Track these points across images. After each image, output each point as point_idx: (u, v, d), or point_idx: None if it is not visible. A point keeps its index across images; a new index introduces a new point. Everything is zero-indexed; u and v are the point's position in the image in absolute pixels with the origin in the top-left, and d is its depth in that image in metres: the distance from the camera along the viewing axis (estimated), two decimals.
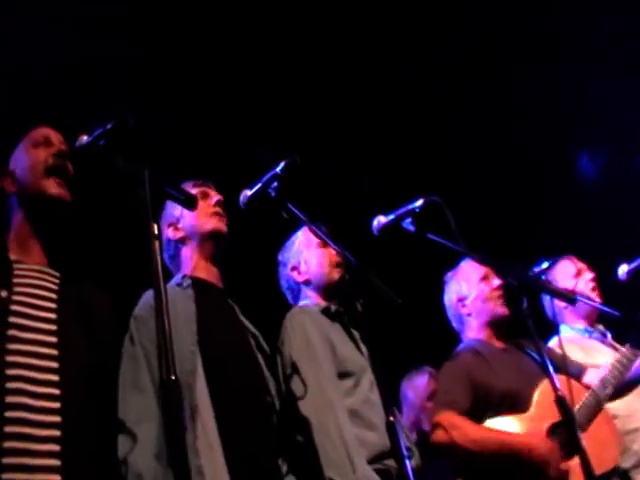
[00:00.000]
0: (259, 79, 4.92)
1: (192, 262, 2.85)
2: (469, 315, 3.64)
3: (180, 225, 2.90)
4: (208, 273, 2.83)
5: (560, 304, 4.01)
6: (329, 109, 5.17)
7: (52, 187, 2.44)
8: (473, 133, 5.61)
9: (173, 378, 1.86)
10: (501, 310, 3.56)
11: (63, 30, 4.13)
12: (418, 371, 4.65)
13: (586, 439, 3.16)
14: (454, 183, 5.12)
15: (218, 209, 2.88)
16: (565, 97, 5.45)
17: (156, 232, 2.03)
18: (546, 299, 4.04)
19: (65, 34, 4.14)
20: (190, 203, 2.30)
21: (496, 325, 3.60)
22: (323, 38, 5.04)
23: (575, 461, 2.93)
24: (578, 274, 4.09)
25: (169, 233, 2.92)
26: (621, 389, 3.53)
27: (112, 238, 4.00)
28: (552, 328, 3.94)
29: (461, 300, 3.66)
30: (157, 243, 2.02)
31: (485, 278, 3.63)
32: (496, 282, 3.57)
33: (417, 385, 4.57)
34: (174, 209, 2.91)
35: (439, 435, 3.23)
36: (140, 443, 2.32)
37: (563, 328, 4.02)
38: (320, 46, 5.04)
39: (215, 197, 2.91)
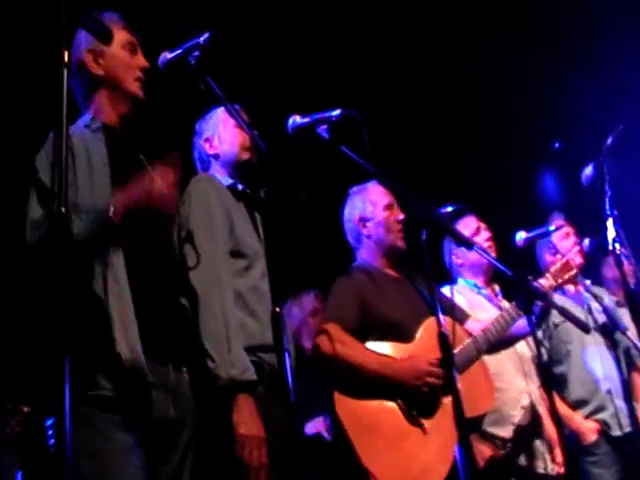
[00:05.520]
0: None
1: (104, 109, 2.63)
2: (368, 237, 3.65)
3: (102, 61, 2.62)
4: (118, 125, 2.65)
5: (458, 260, 4.15)
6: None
7: None
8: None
9: (63, 210, 1.78)
10: (400, 243, 3.58)
11: None
12: (305, 291, 4.71)
13: (461, 382, 3.23)
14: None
15: (142, 75, 2.65)
16: None
17: (66, 60, 1.90)
18: (447, 249, 4.17)
19: None
20: (104, 37, 2.16)
21: (392, 255, 3.63)
22: None
23: (448, 399, 3.00)
24: (477, 231, 4.21)
25: (87, 60, 2.60)
26: (497, 345, 3.61)
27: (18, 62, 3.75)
28: (448, 277, 4.08)
29: (363, 220, 3.65)
30: (65, 71, 1.88)
31: (390, 207, 3.63)
32: (400, 216, 3.59)
33: (302, 301, 4.64)
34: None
35: (324, 343, 3.25)
36: None
37: (457, 280, 4.17)
38: None
39: (144, 62, 2.67)
